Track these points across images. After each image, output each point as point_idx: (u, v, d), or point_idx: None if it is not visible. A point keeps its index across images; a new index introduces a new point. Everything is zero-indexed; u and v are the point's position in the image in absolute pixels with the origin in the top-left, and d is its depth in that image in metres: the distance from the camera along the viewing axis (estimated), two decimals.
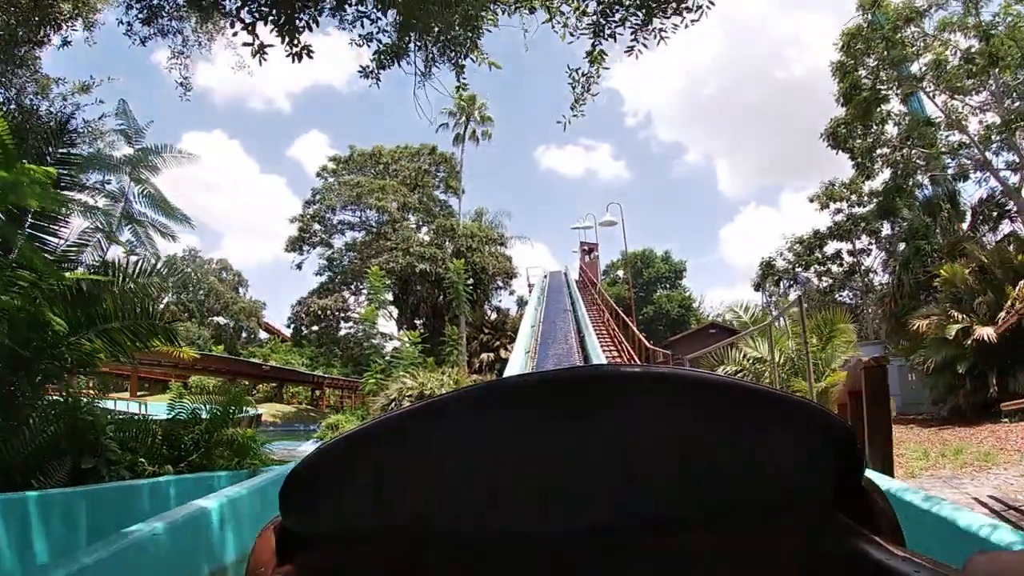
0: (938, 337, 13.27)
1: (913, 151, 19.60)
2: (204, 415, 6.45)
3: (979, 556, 0.49)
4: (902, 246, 21.40)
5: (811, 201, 28.70)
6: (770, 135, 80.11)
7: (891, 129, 20.02)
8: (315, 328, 34.88)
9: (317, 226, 33.46)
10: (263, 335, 54.70)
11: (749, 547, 0.91)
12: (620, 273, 47.61)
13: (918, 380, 14.95)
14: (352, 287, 33.65)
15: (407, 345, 24.44)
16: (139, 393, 42.31)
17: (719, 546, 0.92)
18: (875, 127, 20.28)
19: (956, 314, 13.28)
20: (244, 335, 55.37)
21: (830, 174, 28.76)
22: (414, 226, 32.53)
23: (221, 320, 55.37)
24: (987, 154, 19.15)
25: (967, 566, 0.49)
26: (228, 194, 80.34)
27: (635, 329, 16.19)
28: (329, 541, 0.80)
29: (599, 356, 15.08)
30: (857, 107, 18.27)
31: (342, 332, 36.07)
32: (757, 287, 36.00)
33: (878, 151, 20.32)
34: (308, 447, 19.39)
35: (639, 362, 14.07)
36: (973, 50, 17.03)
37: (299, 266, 34.03)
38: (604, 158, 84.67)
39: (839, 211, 27.36)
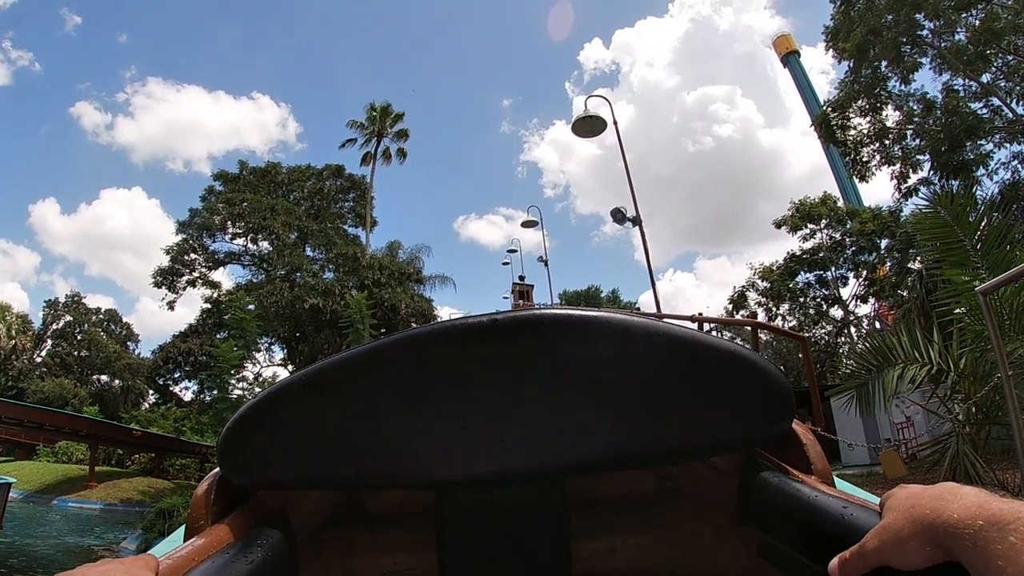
0: None
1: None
2: None
3: (898, 489, 0.52)
4: None
5: (779, 227, 24.77)
6: (682, 204, 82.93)
7: (893, 115, 16.28)
8: (187, 382, 27.88)
9: (194, 255, 27.11)
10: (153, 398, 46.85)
11: (684, 485, 1.00)
12: None
13: None
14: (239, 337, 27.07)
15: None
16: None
17: (654, 484, 1.03)
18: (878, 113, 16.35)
19: None
20: (133, 397, 47.46)
21: (742, 241, 24.99)
22: (310, 255, 26.53)
23: (105, 378, 47.37)
24: None
25: (889, 499, 0.52)
26: (145, 254, 74.34)
27: None
28: (267, 491, 0.81)
29: None
30: (885, 50, 14.07)
31: (235, 393, 29.29)
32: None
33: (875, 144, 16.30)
34: (127, 542, 16.08)
35: None
36: None
37: (171, 305, 27.32)
38: (525, 228, 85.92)
39: (813, 233, 23.32)
